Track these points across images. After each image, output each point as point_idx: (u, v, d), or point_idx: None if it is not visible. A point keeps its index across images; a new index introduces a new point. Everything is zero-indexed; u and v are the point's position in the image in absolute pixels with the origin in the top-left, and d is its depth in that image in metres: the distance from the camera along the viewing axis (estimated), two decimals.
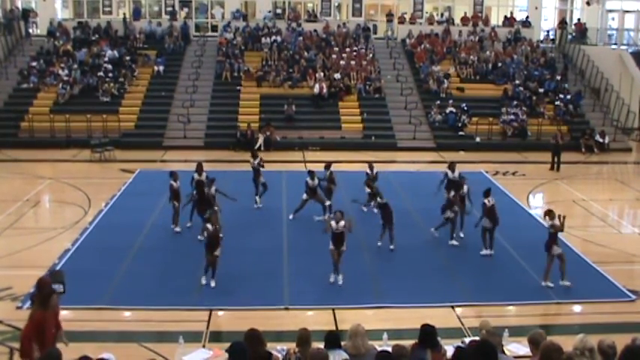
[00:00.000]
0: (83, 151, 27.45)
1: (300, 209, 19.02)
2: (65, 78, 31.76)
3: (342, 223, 14.48)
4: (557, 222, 14.34)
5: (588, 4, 39.84)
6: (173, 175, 17.79)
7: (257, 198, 20.13)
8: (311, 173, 19.05)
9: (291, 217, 19.05)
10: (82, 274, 14.73)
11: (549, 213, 14.63)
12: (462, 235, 17.63)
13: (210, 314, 13.11)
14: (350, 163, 26.00)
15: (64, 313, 12.99)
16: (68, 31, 35.81)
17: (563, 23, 39.98)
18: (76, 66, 32.76)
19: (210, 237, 14.30)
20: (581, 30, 38.92)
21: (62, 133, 29.16)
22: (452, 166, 19.04)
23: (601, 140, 30.46)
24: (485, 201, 16.26)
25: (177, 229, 17.73)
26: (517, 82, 33.83)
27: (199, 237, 16.39)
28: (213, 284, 14.29)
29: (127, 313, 13.31)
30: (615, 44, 38.57)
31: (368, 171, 19.93)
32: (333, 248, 14.60)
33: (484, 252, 16.41)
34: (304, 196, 18.92)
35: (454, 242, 17.15)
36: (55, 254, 16.02)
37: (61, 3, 40.65)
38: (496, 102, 32.74)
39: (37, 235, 17.69)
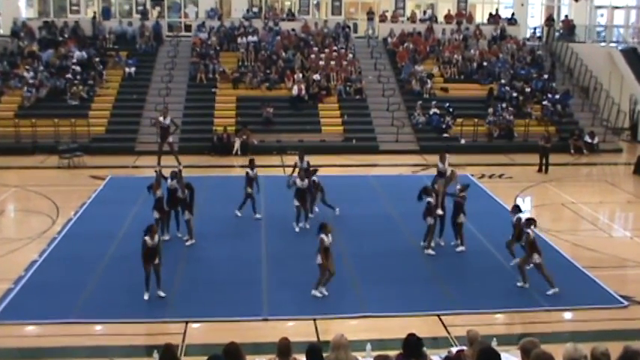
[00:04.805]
0: (51, 157, 27.21)
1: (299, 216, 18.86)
2: (31, 81, 31.48)
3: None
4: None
5: (576, 0, 40.17)
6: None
7: (239, 210, 19.78)
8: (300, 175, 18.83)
9: (297, 229, 18.70)
10: (50, 287, 14.69)
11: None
12: (441, 243, 17.58)
13: (186, 326, 13.04)
14: (330, 167, 26.03)
15: (30, 329, 12.96)
16: (33, 31, 35.53)
17: (550, 20, 40.32)
18: (42, 68, 32.53)
19: (145, 249, 14.05)
20: (569, 27, 39.24)
21: (28, 138, 28.87)
22: (442, 156, 18.86)
23: (590, 141, 30.69)
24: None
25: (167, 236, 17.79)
26: (503, 81, 34.04)
27: (187, 243, 17.42)
28: (163, 294, 14.19)
29: (98, 327, 13.18)
30: (604, 41, 38.94)
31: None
32: (327, 262, 14.37)
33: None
34: (295, 202, 18.69)
35: (430, 251, 17.09)
36: (21, 266, 15.85)
37: (25, 1, 40.31)
38: (481, 102, 32.93)
39: (2, 246, 17.47)
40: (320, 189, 19.26)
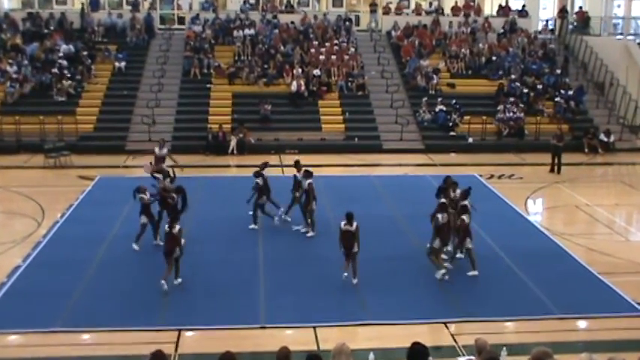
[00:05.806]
0: (36, 156, 27.21)
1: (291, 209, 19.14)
2: (14, 75, 31.47)
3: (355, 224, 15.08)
4: None
5: None
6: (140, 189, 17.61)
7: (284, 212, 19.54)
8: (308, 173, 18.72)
9: (295, 228, 18.76)
10: (35, 294, 14.64)
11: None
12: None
13: (178, 335, 13.01)
14: (331, 167, 26.03)
15: (13, 338, 12.92)
16: (16, 22, 35.51)
17: (563, 12, 40.31)
18: (26, 62, 32.50)
19: (175, 240, 14.90)
20: (584, 19, 39.21)
21: (11, 136, 28.92)
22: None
23: (606, 139, 30.68)
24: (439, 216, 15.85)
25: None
26: (513, 76, 34.05)
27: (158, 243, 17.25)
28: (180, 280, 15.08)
29: (86, 336, 13.14)
30: (621, 34, 38.92)
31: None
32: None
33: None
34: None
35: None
36: (4, 271, 15.80)
37: None
38: (490, 99, 32.92)
39: None
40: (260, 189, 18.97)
